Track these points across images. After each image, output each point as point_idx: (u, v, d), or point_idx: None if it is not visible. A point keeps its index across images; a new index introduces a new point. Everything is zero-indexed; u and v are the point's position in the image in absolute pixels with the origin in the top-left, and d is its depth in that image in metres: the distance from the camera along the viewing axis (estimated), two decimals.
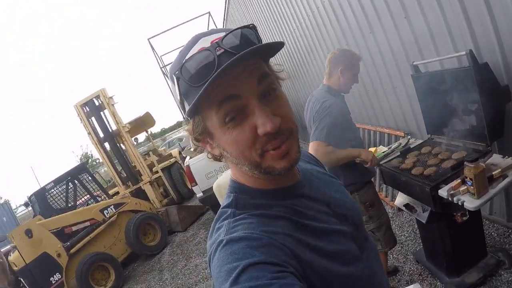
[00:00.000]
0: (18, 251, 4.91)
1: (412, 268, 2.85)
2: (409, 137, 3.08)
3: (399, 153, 2.55)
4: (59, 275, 5.10)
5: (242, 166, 0.68)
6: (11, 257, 5.01)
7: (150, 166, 8.25)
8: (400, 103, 3.43)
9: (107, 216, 5.97)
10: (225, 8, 9.92)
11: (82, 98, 7.40)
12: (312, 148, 2.22)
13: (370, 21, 3.25)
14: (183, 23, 10.60)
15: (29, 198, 7.04)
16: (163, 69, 10.64)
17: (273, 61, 0.71)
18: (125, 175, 8.00)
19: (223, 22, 10.95)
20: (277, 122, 0.62)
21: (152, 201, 7.48)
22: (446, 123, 2.34)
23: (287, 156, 0.66)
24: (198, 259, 5.18)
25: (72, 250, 5.35)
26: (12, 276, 4.85)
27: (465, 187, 1.77)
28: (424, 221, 2.21)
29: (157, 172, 8.26)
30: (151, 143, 10.46)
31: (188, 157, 6.30)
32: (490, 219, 2.83)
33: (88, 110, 7.50)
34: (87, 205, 6.75)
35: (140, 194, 7.61)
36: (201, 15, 10.84)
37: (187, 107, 0.65)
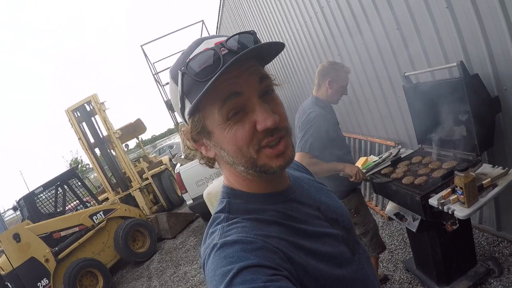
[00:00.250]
0: (6, 255, 4.83)
1: (402, 277, 2.85)
2: (399, 147, 3.11)
3: (389, 163, 2.58)
4: (47, 280, 5.03)
5: (238, 165, 0.68)
6: None
7: (140, 173, 8.22)
8: (391, 113, 3.48)
9: (96, 222, 5.92)
10: (218, 17, 9.97)
11: (74, 103, 7.36)
12: (297, 158, 2.23)
13: (362, 32, 3.29)
14: (177, 30, 10.63)
15: (18, 202, 6.91)
16: (155, 76, 10.58)
17: (266, 69, 0.74)
18: (115, 181, 7.98)
19: (216, 31, 11.01)
20: (276, 119, 0.65)
21: (142, 208, 7.42)
22: (437, 133, 2.37)
23: (282, 155, 0.67)
24: (187, 266, 5.13)
25: (61, 256, 5.28)
26: None
27: (455, 196, 1.79)
28: (414, 230, 2.22)
29: (147, 178, 8.24)
30: (141, 149, 10.39)
31: (178, 164, 6.28)
32: (480, 228, 2.86)
33: (79, 115, 7.46)
34: (76, 210, 6.67)
35: (129, 200, 7.56)
36: (195, 23, 10.90)
37: (187, 106, 0.67)
